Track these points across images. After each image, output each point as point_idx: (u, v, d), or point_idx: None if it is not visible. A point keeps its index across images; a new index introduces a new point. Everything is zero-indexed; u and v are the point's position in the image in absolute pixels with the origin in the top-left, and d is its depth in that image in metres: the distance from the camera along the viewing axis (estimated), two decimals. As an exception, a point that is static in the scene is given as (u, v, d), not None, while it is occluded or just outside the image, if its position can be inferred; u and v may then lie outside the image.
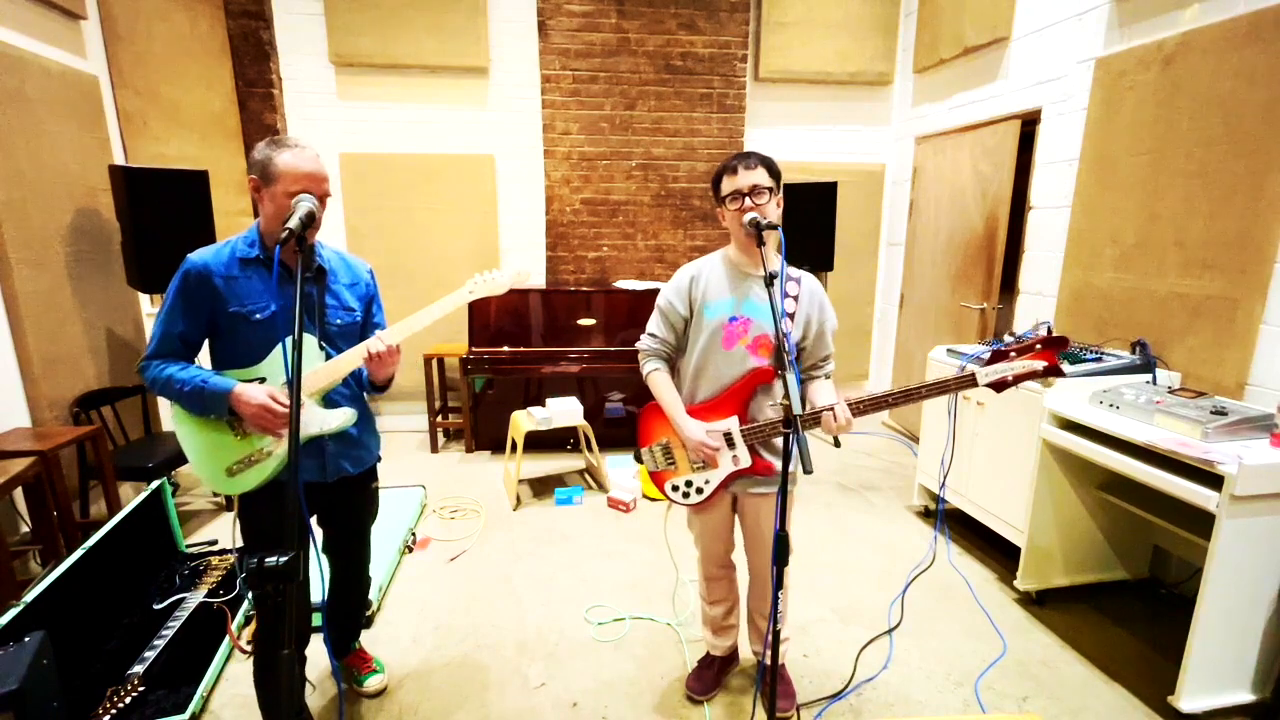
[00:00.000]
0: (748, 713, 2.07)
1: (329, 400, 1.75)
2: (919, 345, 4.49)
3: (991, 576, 2.86)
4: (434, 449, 4.49)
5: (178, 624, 2.38)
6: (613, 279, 4.86)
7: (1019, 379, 1.62)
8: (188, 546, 2.98)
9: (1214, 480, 1.88)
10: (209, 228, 3.27)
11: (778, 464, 1.85)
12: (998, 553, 3.02)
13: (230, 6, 4.13)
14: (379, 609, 2.60)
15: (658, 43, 4.54)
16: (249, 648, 2.28)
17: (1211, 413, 2.09)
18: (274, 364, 1.66)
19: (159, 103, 3.70)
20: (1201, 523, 2.02)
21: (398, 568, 2.92)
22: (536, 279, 4.83)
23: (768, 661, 1.54)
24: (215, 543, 3.08)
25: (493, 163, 4.65)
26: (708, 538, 2.05)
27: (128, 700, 1.99)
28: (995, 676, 2.24)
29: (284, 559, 1.03)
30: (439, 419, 4.60)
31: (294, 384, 1.17)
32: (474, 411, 4.46)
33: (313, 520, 1.87)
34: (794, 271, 1.84)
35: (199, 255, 1.64)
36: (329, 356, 1.71)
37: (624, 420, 4.46)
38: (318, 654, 2.06)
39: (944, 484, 3.05)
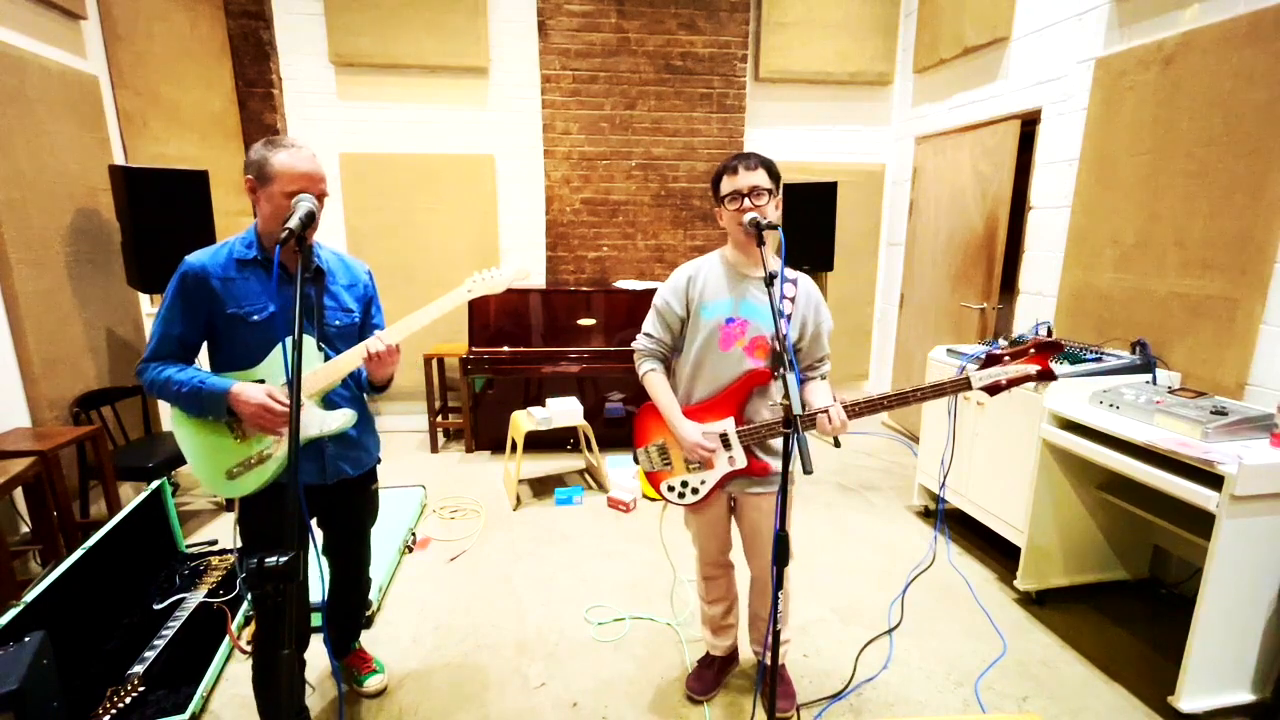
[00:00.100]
0: (748, 713, 2.07)
1: (328, 401, 1.75)
2: (919, 345, 4.49)
3: (991, 576, 2.86)
4: (434, 449, 4.49)
5: (178, 624, 2.38)
6: (613, 279, 4.86)
7: (1012, 383, 1.63)
8: (188, 546, 2.99)
9: (1214, 480, 1.88)
10: (209, 228, 3.27)
11: (773, 464, 1.85)
12: (998, 553, 3.02)
13: (230, 6, 4.13)
14: (379, 609, 2.60)
15: (658, 43, 4.54)
16: (249, 648, 2.28)
17: (1211, 413, 2.09)
18: (273, 365, 1.65)
19: (159, 103, 3.70)
20: (1201, 523, 2.02)
21: (398, 568, 2.92)
22: (536, 279, 4.83)
23: (768, 662, 1.54)
24: (215, 543, 3.08)
25: (493, 163, 4.65)
26: (704, 537, 2.05)
27: (128, 700, 1.99)
28: (995, 676, 2.24)
29: (284, 559, 1.03)
30: (439, 419, 4.60)
31: (294, 385, 1.17)
32: (474, 411, 4.46)
33: (312, 522, 1.87)
34: (790, 273, 1.84)
35: (196, 257, 1.63)
36: (328, 357, 1.71)
37: (624, 420, 4.46)
38: (318, 654, 2.06)
39: (944, 484, 3.05)
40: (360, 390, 1.87)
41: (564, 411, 3.62)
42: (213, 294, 1.62)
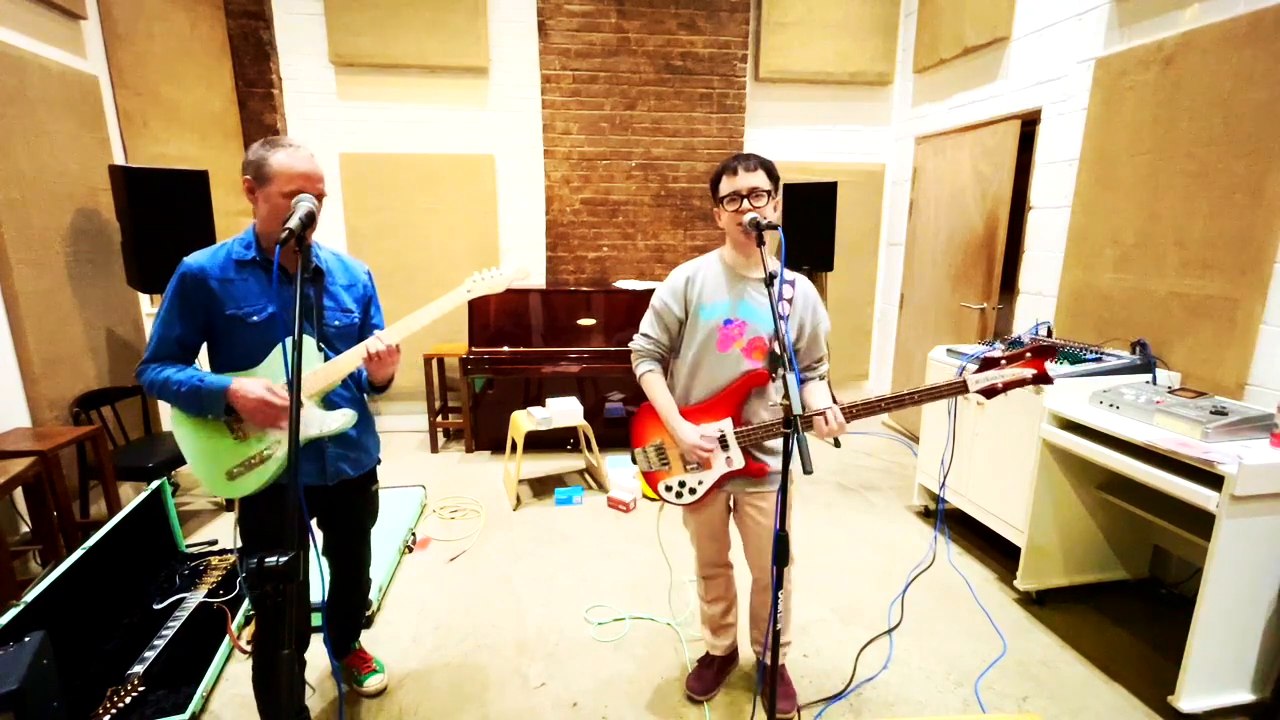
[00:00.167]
0: (748, 713, 2.07)
1: (329, 402, 1.75)
2: (919, 345, 4.48)
3: (991, 576, 2.86)
4: (434, 449, 4.49)
5: (178, 624, 2.38)
6: (613, 279, 4.86)
7: (1008, 386, 1.63)
8: (188, 546, 2.98)
9: (1214, 480, 1.88)
10: (209, 228, 3.27)
11: (771, 464, 1.85)
12: (998, 553, 3.02)
13: (230, 6, 4.13)
14: (379, 609, 2.60)
15: (658, 43, 4.54)
16: (249, 648, 2.28)
17: (1211, 413, 2.09)
18: (273, 366, 1.65)
19: (159, 103, 3.70)
20: (1201, 523, 2.02)
21: (398, 568, 2.92)
22: (536, 279, 4.83)
23: (768, 662, 1.54)
24: (215, 543, 3.08)
25: (493, 163, 4.64)
26: (703, 537, 2.05)
27: (128, 700, 1.99)
28: (995, 676, 2.24)
29: (284, 559, 1.03)
30: (439, 419, 4.60)
31: (294, 385, 1.17)
32: (474, 411, 4.46)
33: (313, 522, 1.87)
34: (788, 274, 1.84)
35: (195, 258, 1.63)
36: (327, 358, 1.70)
37: (624, 420, 4.46)
38: (318, 654, 2.06)
39: (944, 484, 3.05)
40: (360, 390, 1.86)
41: (564, 411, 3.62)
42: (211, 295, 1.62)
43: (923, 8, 4.43)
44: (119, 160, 3.48)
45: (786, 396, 1.41)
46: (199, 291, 1.61)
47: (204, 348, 1.70)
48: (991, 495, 2.88)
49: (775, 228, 1.64)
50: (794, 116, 4.87)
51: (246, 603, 2.50)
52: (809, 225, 4.36)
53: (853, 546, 3.15)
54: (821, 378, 1.90)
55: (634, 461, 1.98)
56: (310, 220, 1.43)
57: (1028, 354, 1.63)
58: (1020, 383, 1.63)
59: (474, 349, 4.25)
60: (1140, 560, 2.74)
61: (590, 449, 3.90)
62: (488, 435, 4.47)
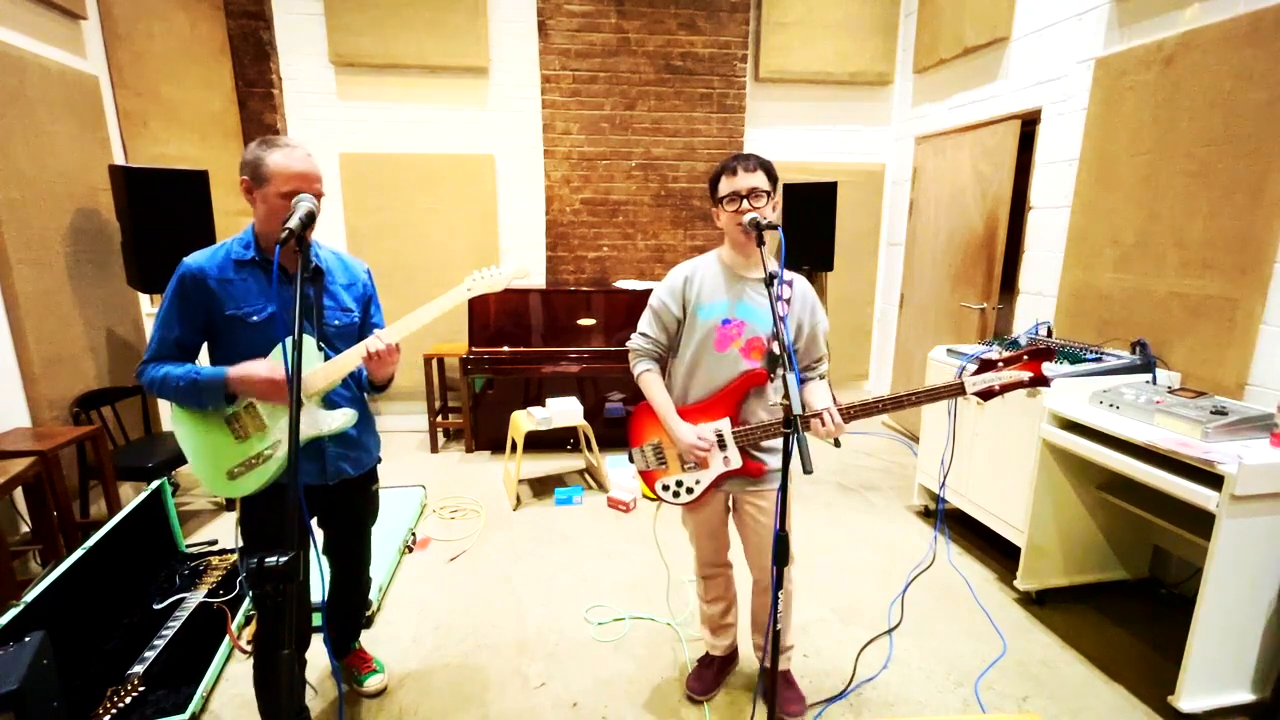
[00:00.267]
0: (748, 713, 2.07)
1: (329, 401, 1.75)
2: (919, 345, 4.49)
3: (991, 576, 2.86)
4: (434, 449, 4.49)
5: (178, 624, 2.38)
6: (613, 279, 4.86)
7: (1006, 388, 1.64)
8: (188, 546, 2.98)
9: (1214, 480, 1.88)
10: (209, 228, 3.27)
11: (768, 464, 1.85)
12: (998, 553, 3.02)
13: (230, 6, 4.13)
14: (379, 609, 2.60)
15: (658, 43, 4.54)
16: (249, 648, 2.28)
17: (1211, 413, 2.09)
18: (273, 365, 1.65)
19: (159, 103, 3.70)
20: (1201, 523, 2.02)
21: (398, 568, 2.92)
22: (536, 279, 4.83)
23: (768, 663, 1.54)
24: (215, 543, 3.08)
25: (493, 163, 4.65)
26: (701, 537, 2.05)
27: (128, 700, 1.99)
28: (995, 676, 2.24)
29: (284, 559, 1.03)
30: (439, 419, 4.60)
31: (294, 384, 1.17)
32: (474, 411, 4.46)
33: (313, 522, 1.87)
34: (786, 274, 1.84)
35: (194, 259, 1.63)
36: (328, 357, 1.70)
37: (624, 420, 4.45)
38: (318, 654, 2.06)
39: (944, 484, 3.05)
40: (360, 390, 1.86)
41: (564, 411, 3.62)
42: (211, 295, 1.62)
43: (923, 8, 4.43)
44: (119, 160, 3.48)
45: (786, 396, 1.41)
46: (199, 292, 1.61)
47: (204, 348, 1.70)
48: (991, 495, 2.88)
49: (775, 228, 1.64)
50: (794, 116, 4.87)
51: (247, 602, 2.50)
52: (809, 225, 4.36)
53: (853, 546, 3.15)
54: (822, 377, 1.91)
55: (631, 461, 1.98)
56: (310, 220, 1.43)
57: (1025, 356, 1.63)
58: (1017, 385, 1.63)
59: (474, 349, 4.25)
60: (1140, 560, 2.74)
61: (590, 449, 3.90)
62: (488, 435, 4.47)
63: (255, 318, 1.64)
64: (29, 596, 2.01)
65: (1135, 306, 2.82)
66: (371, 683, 2.15)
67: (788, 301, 1.80)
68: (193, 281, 1.61)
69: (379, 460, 1.99)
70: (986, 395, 1.66)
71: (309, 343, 1.67)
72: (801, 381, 1.88)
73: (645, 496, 3.63)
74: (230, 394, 1.60)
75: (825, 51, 4.68)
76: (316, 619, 2.25)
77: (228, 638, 2.31)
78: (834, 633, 2.48)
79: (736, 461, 1.82)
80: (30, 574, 2.73)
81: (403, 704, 2.12)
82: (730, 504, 2.00)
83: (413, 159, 4.56)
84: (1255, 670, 2.02)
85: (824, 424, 1.65)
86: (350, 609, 2.18)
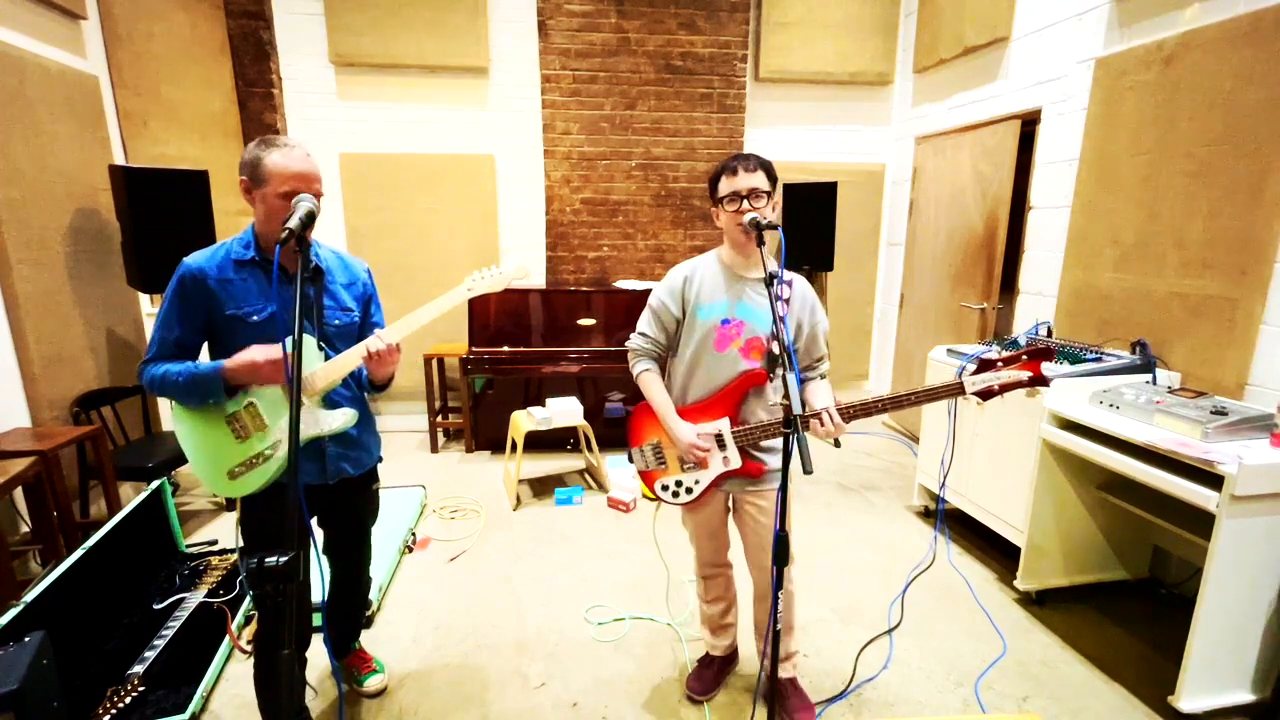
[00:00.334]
0: (748, 713, 2.07)
1: (329, 401, 1.75)
2: (919, 345, 4.49)
3: (991, 576, 2.86)
4: (434, 449, 4.49)
5: (178, 624, 2.38)
6: (613, 279, 4.86)
7: (1005, 388, 1.64)
8: (188, 546, 2.98)
9: (1214, 480, 1.88)
10: (209, 228, 3.27)
11: (768, 463, 1.85)
12: (998, 553, 3.02)
13: (230, 6, 4.13)
14: (379, 609, 2.60)
15: (658, 43, 4.54)
16: (249, 648, 2.28)
17: (1211, 413, 2.09)
18: (274, 365, 1.65)
19: (159, 103, 3.70)
20: (1201, 523, 2.02)
21: (398, 568, 2.92)
22: (536, 279, 4.83)
23: (772, 664, 1.54)
24: (215, 543, 3.08)
25: (493, 163, 4.65)
26: (701, 537, 2.05)
27: (128, 700, 1.99)
28: (995, 676, 2.24)
29: (284, 559, 1.03)
30: (439, 419, 4.60)
31: (294, 385, 1.17)
32: (474, 411, 4.46)
33: (313, 521, 1.87)
34: (785, 274, 1.84)
35: (193, 259, 1.63)
36: (328, 357, 1.70)
37: (624, 420, 4.45)
38: (318, 654, 2.07)
39: (944, 484, 3.05)
40: (361, 389, 1.86)
41: (564, 411, 3.62)
42: (211, 295, 1.62)
43: (923, 8, 4.43)
44: (119, 160, 3.48)
45: (786, 396, 1.41)
46: (198, 292, 1.61)
47: (204, 347, 1.70)
48: (991, 495, 2.88)
49: (775, 228, 1.64)
50: (794, 116, 4.87)
51: (247, 602, 2.50)
52: (809, 225, 4.36)
53: (853, 546, 3.15)
54: (823, 377, 1.90)
55: (631, 461, 1.98)
56: (310, 220, 1.42)
57: (1024, 356, 1.63)
58: (1016, 385, 1.63)
59: (474, 349, 4.25)
60: (1140, 560, 2.74)
61: (590, 449, 3.90)
62: (488, 435, 4.47)
63: (255, 318, 1.64)
64: (29, 596, 2.01)
65: (1135, 306, 2.82)
66: (371, 683, 2.15)
67: (787, 301, 1.80)
68: (193, 282, 1.61)
69: (379, 460, 1.99)
70: (986, 395, 1.66)
71: (309, 342, 1.67)
72: (803, 381, 1.88)
73: (645, 496, 3.63)
74: (230, 387, 1.59)
75: (825, 51, 4.68)
76: (316, 619, 2.25)
77: (228, 638, 2.31)
78: (834, 633, 2.48)
79: (736, 461, 1.82)
80: (30, 574, 2.73)
81: (403, 704, 2.12)
82: (730, 504, 2.00)
83: (413, 159, 4.56)
84: (1255, 670, 2.02)
85: (823, 424, 1.65)
86: (350, 609, 2.18)
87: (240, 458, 1.65)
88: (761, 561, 1.94)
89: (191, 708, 1.98)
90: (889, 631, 2.47)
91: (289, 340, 1.26)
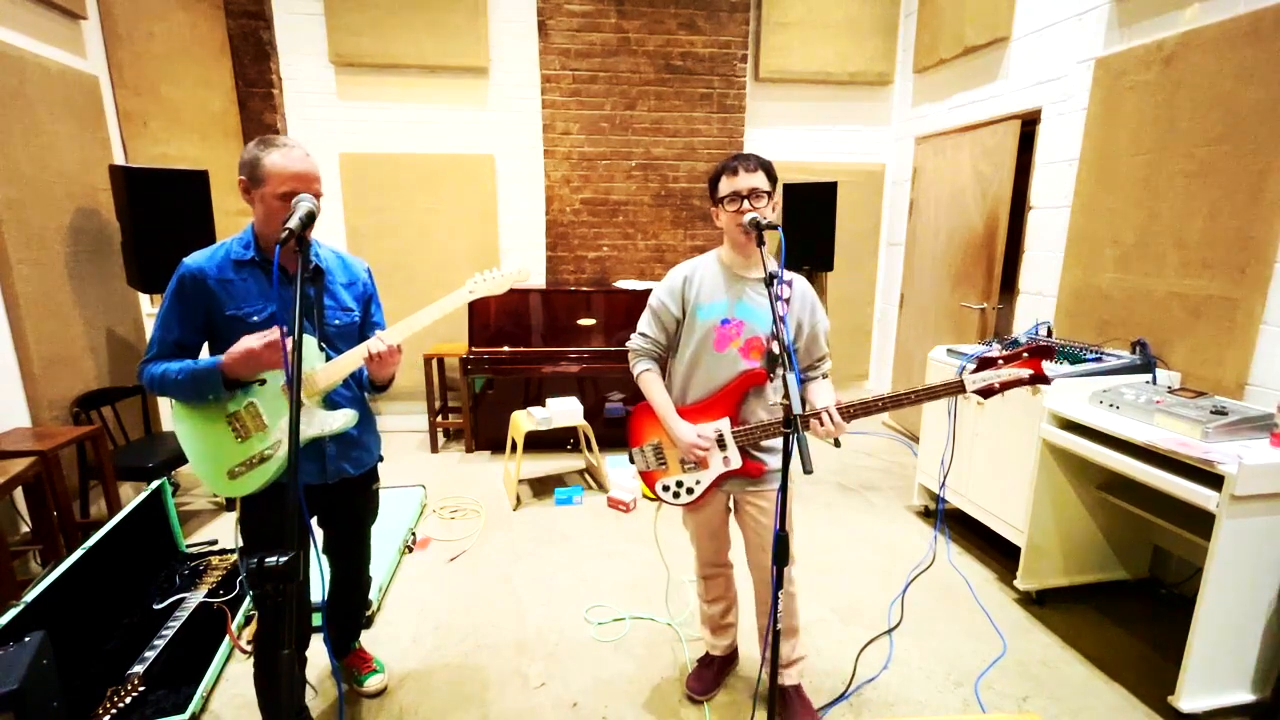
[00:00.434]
0: (748, 713, 2.07)
1: (330, 401, 1.75)
2: (919, 345, 4.49)
3: (991, 576, 2.86)
4: (434, 449, 4.49)
5: (178, 624, 2.38)
6: (613, 279, 4.86)
7: (1006, 386, 1.63)
8: (188, 546, 2.98)
9: (1214, 480, 1.88)
10: (209, 228, 3.27)
11: (768, 464, 1.85)
12: (998, 553, 3.02)
13: (230, 6, 4.13)
14: (379, 609, 2.60)
15: (658, 43, 4.54)
16: (249, 648, 2.28)
17: (1211, 412, 2.09)
18: (274, 365, 1.65)
19: (159, 103, 3.70)
20: (1201, 523, 2.02)
21: (398, 568, 2.92)
22: (536, 279, 4.83)
23: (771, 665, 1.54)
24: (215, 543, 3.08)
25: (493, 163, 4.65)
26: (702, 537, 2.05)
27: (128, 700, 1.99)
28: (995, 676, 2.24)
29: (284, 559, 1.03)
30: (439, 419, 4.60)
31: (294, 385, 1.17)
32: (474, 411, 4.45)
33: (313, 521, 1.87)
34: (785, 274, 1.84)
35: (193, 259, 1.63)
36: (329, 358, 1.70)
37: (624, 420, 4.45)
38: (318, 654, 2.07)
39: (944, 484, 3.05)
40: (361, 390, 1.86)
41: (564, 411, 3.62)
42: (211, 295, 1.62)
43: (923, 8, 4.43)
44: (119, 160, 3.48)
45: (786, 396, 1.41)
46: (198, 292, 1.61)
47: (204, 348, 1.70)
48: (991, 495, 2.88)
49: (775, 228, 1.64)
50: (794, 116, 4.87)
51: (247, 602, 2.50)
52: (809, 225, 4.36)
53: (853, 546, 3.15)
54: (825, 376, 1.90)
55: (632, 461, 1.98)
56: (310, 220, 1.41)
57: (1025, 354, 1.63)
58: (1017, 383, 1.63)
59: (474, 349, 4.25)
60: (1140, 560, 2.74)
61: (590, 449, 3.90)
62: (488, 435, 4.47)
63: (256, 318, 1.63)
64: (29, 596, 2.01)
65: (1135, 306, 2.82)
66: (371, 683, 2.15)
67: (787, 301, 1.80)
68: (192, 282, 1.61)
69: (379, 460, 1.99)
70: (987, 393, 1.65)
71: (310, 343, 1.67)
72: (805, 381, 1.88)
73: (646, 497, 3.63)
74: (230, 382, 1.59)
75: (825, 51, 4.68)
76: (316, 619, 2.25)
77: (228, 638, 2.31)
78: (834, 633, 2.48)
79: (736, 461, 1.82)
80: (30, 574, 2.73)
81: (403, 704, 2.12)
82: (731, 504, 2.00)
83: (413, 159, 4.56)
84: (1255, 670, 2.02)
85: (823, 424, 1.65)
86: (350, 609, 2.18)
87: (240, 458, 1.65)
88: (762, 561, 1.94)
89: (191, 708, 1.98)
90: (889, 631, 2.47)
91: (289, 340, 1.25)
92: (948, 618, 2.57)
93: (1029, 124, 3.54)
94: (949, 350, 3.08)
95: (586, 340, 4.38)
